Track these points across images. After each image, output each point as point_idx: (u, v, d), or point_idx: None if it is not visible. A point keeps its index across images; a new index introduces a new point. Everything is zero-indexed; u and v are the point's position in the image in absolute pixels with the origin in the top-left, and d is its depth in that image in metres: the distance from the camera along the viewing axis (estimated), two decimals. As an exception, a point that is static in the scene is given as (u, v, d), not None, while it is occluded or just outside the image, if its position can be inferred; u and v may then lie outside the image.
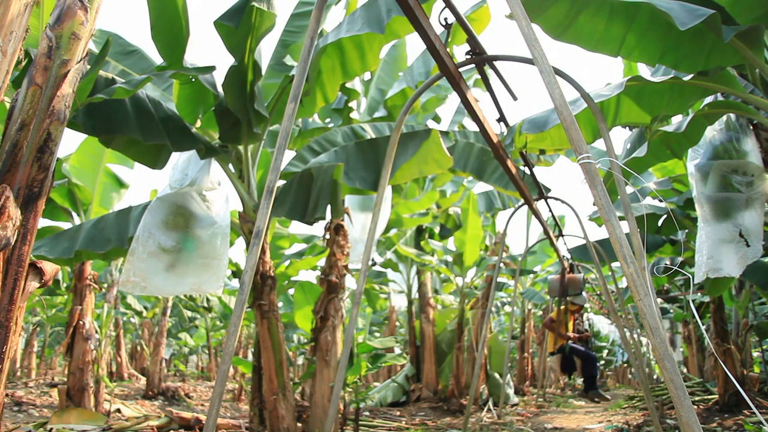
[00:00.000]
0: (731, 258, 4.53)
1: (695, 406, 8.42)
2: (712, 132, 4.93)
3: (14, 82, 3.75)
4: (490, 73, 4.17)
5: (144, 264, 5.19)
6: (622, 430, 7.47)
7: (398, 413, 9.64)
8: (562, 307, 8.62)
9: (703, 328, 9.71)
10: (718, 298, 8.27)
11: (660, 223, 7.40)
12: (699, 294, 10.55)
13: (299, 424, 5.93)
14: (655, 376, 18.29)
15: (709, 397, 9.27)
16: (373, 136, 6.47)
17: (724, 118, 4.84)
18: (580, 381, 13.37)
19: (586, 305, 12.99)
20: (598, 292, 14.84)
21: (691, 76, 4.19)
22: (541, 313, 17.90)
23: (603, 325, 22.29)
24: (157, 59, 5.71)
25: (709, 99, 4.79)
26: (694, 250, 7.79)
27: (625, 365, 23.78)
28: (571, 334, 8.56)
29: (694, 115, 4.61)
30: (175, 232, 5.37)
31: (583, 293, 8.79)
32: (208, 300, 16.13)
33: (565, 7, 3.79)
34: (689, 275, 3.20)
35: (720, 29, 3.35)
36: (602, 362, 22.23)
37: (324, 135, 6.70)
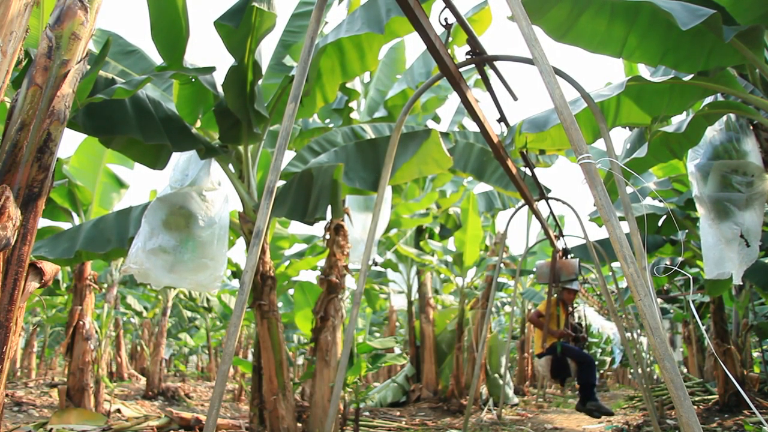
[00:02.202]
0: (734, 259, 4.53)
1: (695, 407, 8.41)
2: (712, 132, 4.93)
3: (14, 82, 3.75)
4: (490, 73, 4.17)
5: (144, 256, 5.20)
6: (622, 430, 7.46)
7: (398, 413, 9.64)
8: (553, 297, 7.32)
9: (703, 328, 9.69)
10: (718, 299, 8.27)
11: (660, 223, 7.40)
12: (699, 294, 10.55)
13: (299, 425, 5.93)
14: (655, 376, 18.28)
15: (709, 397, 9.28)
16: (373, 137, 6.47)
17: (724, 118, 4.84)
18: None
19: (577, 297, 11.94)
20: (598, 292, 14.83)
21: (691, 76, 4.19)
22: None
23: (595, 319, 20.63)
24: (157, 59, 5.71)
25: (709, 99, 4.79)
26: (695, 251, 7.83)
27: (620, 366, 23.45)
28: (563, 330, 7.14)
29: (695, 115, 4.61)
30: (175, 232, 5.37)
31: (577, 283, 7.52)
32: (208, 300, 16.13)
33: (566, 9, 3.79)
34: (689, 275, 3.20)
35: (720, 29, 3.35)
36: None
37: (324, 135, 6.70)
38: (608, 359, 22.03)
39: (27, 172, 2.09)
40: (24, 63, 3.27)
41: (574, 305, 8.34)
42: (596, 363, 7.38)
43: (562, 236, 8.38)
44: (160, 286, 5.37)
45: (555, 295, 7.36)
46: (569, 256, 8.19)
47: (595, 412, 6.67)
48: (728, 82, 4.23)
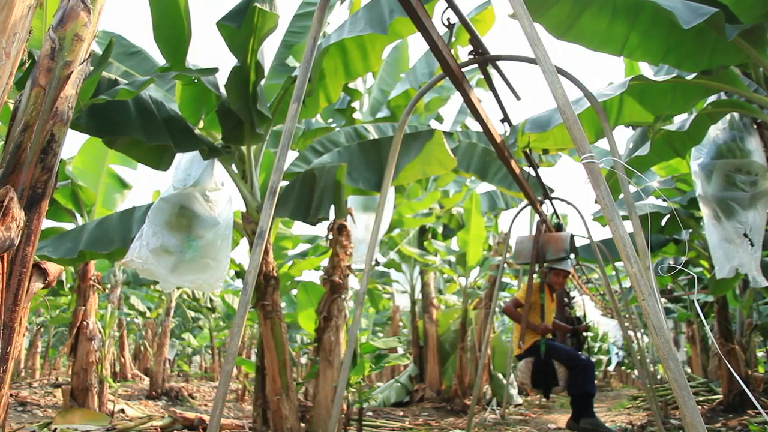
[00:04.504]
0: (743, 259, 4.53)
1: (699, 407, 8.39)
2: (716, 131, 4.92)
3: (18, 83, 3.75)
4: (493, 73, 4.17)
5: (146, 255, 5.20)
6: (626, 430, 7.44)
7: (401, 413, 9.63)
8: (536, 280, 5.83)
9: (707, 327, 9.64)
10: (722, 298, 8.25)
11: (663, 222, 7.39)
12: (703, 294, 10.53)
13: (302, 425, 5.93)
14: (659, 376, 18.24)
15: (714, 397, 9.25)
16: (376, 137, 6.47)
17: (728, 117, 4.84)
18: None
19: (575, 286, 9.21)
20: (602, 292, 14.79)
21: (694, 75, 4.19)
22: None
23: (591, 313, 17.86)
24: (160, 60, 5.73)
25: (712, 98, 4.79)
26: (698, 250, 7.81)
27: (617, 367, 23.06)
28: (546, 324, 5.64)
29: (698, 114, 4.61)
30: (178, 232, 5.38)
31: (569, 262, 6.02)
32: (211, 300, 16.15)
33: (567, 7, 3.79)
34: (693, 275, 3.20)
35: (723, 28, 3.35)
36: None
37: (327, 135, 6.70)
38: (604, 359, 21.28)
39: (30, 173, 2.09)
40: (27, 64, 3.28)
41: (571, 295, 7.10)
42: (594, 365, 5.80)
43: (557, 217, 7.52)
44: (165, 285, 5.38)
45: (538, 279, 5.95)
46: (562, 227, 6.90)
47: None
48: (731, 80, 4.22)
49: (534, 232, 6.03)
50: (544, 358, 5.46)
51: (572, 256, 6.54)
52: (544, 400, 12.36)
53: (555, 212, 7.30)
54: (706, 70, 4.05)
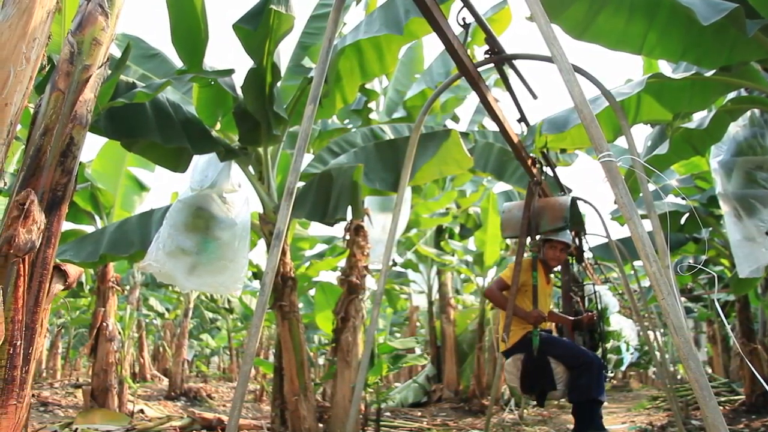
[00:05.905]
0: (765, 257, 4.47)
1: (721, 407, 8.28)
2: (736, 128, 4.87)
3: (37, 87, 3.79)
4: (510, 73, 4.15)
5: (164, 257, 5.24)
6: (646, 431, 7.37)
7: (419, 414, 9.62)
8: (527, 257, 4.47)
9: (728, 327, 9.49)
10: (744, 297, 8.15)
11: (683, 221, 7.31)
12: (724, 293, 10.40)
13: (320, 425, 5.94)
14: (679, 376, 18.04)
15: (736, 397, 9.14)
16: (393, 137, 6.46)
17: (748, 113, 4.78)
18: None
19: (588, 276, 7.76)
20: (620, 291, 14.64)
21: (713, 71, 4.14)
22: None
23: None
24: (178, 63, 5.76)
25: (732, 95, 4.73)
26: (718, 249, 7.71)
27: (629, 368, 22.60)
28: (545, 310, 4.38)
29: (717, 111, 4.56)
30: (195, 233, 5.42)
31: (568, 234, 4.58)
32: (229, 301, 16.23)
33: (584, 7, 3.77)
34: (713, 274, 3.17)
35: (744, 23, 3.30)
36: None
37: (343, 136, 6.71)
38: (614, 358, 20.64)
39: (51, 176, 2.11)
40: (47, 69, 3.32)
41: (583, 282, 5.88)
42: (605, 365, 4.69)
43: (585, 234, 6.63)
44: (183, 288, 5.42)
45: (530, 255, 4.53)
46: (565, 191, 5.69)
47: None
48: (752, 77, 4.17)
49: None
50: (538, 354, 4.17)
51: (582, 239, 5.42)
52: (563, 400, 12.23)
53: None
54: (726, 66, 4.00)
